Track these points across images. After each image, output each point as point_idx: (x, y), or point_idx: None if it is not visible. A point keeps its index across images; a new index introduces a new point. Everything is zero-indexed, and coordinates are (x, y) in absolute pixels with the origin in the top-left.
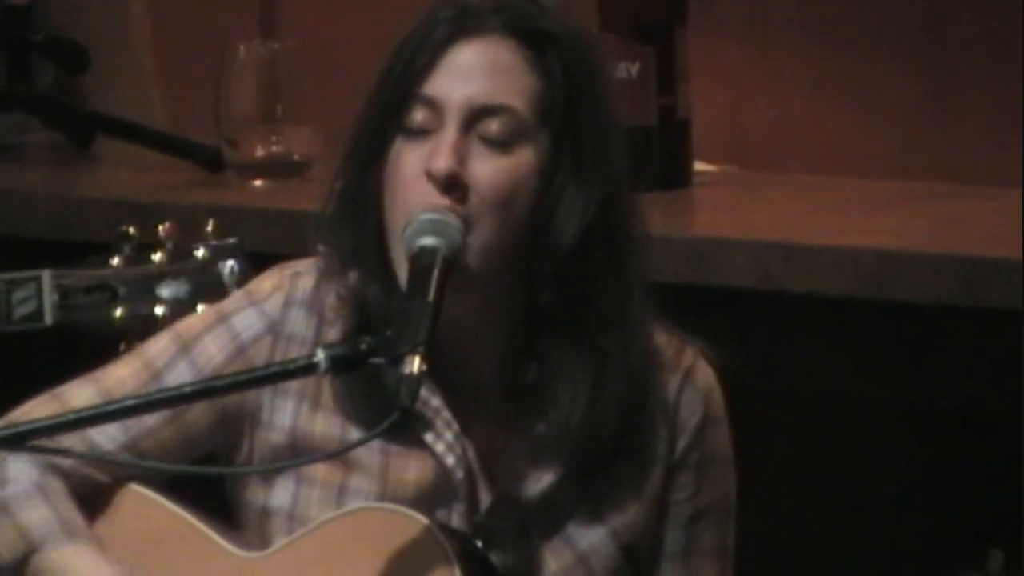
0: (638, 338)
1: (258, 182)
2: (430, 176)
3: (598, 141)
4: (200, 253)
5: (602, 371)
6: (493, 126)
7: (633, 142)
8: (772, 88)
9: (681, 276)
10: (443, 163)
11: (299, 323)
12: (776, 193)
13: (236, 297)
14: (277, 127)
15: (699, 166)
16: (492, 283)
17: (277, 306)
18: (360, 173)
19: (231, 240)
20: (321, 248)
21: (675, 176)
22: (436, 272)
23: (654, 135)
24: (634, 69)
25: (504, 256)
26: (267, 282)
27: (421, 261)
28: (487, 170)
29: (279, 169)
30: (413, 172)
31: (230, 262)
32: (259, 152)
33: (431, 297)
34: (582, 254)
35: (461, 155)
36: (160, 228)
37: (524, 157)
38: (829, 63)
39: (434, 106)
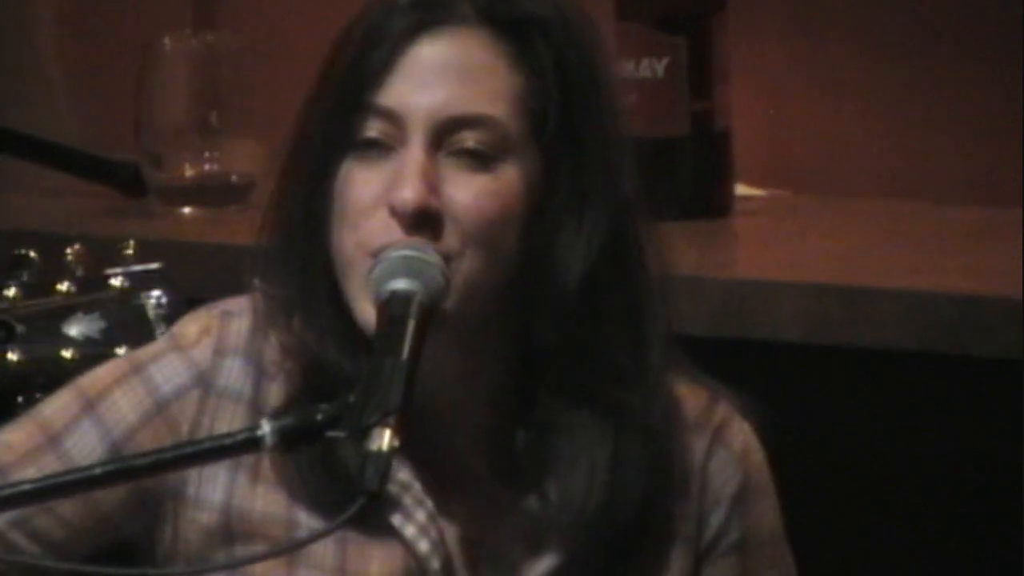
0: (659, 393)
1: (188, 209)
2: (394, 211)
3: (603, 152)
4: (117, 282)
5: (620, 436)
6: (469, 140)
7: (659, 157)
8: (827, 95)
9: (718, 327)
10: (410, 194)
11: (234, 375)
12: (834, 223)
13: (154, 343)
14: (212, 140)
15: (741, 189)
16: (478, 332)
17: (206, 353)
18: (303, 197)
19: (155, 265)
20: (258, 284)
21: (712, 201)
22: (412, 323)
23: (686, 149)
24: (660, 66)
25: (492, 299)
26: (193, 325)
27: (392, 309)
28: (466, 195)
29: (215, 193)
30: (369, 201)
31: (155, 292)
32: (190, 172)
33: (405, 355)
34: (589, 292)
35: (431, 180)
36: (68, 252)
37: (510, 176)
38: (894, 64)
39: (393, 119)
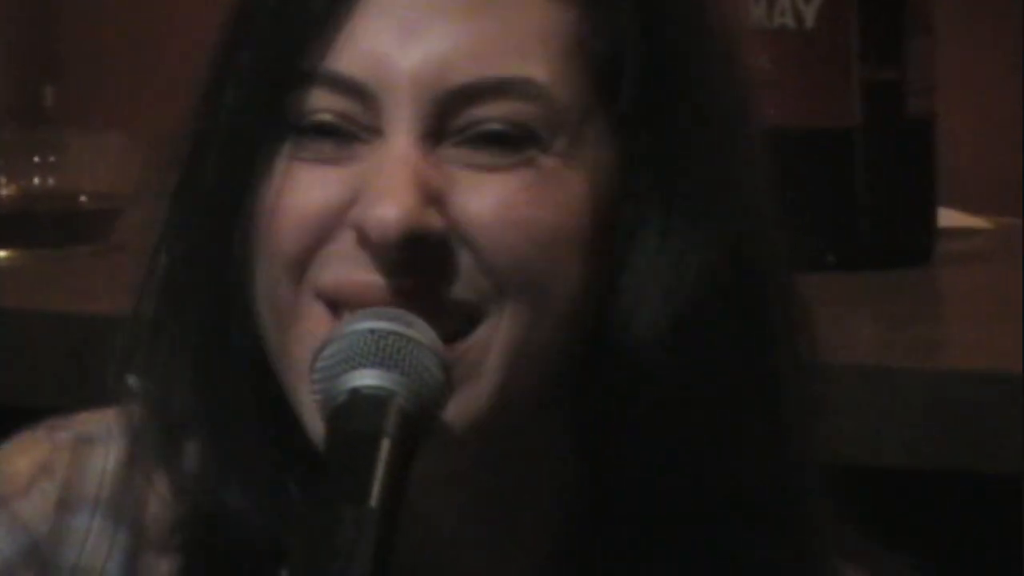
0: (818, 556)
1: (5, 252)
2: (365, 240)
3: (712, 135)
4: None
5: None
6: (492, 119)
7: (813, 162)
8: None
9: (914, 450)
10: (392, 210)
11: (93, 543)
12: None
13: None
14: (47, 135)
15: (951, 218)
16: (510, 441)
17: (44, 509)
18: (207, 227)
19: None
20: (134, 388)
21: (902, 237)
22: (385, 445)
23: (857, 149)
24: (810, 8)
25: (538, 381)
26: (20, 461)
27: (352, 423)
28: (491, 207)
29: (52, 225)
30: (322, 219)
31: None
32: (8, 188)
33: (374, 500)
34: (681, 355)
35: (429, 186)
36: None
37: (561, 172)
38: None
39: (359, 93)
